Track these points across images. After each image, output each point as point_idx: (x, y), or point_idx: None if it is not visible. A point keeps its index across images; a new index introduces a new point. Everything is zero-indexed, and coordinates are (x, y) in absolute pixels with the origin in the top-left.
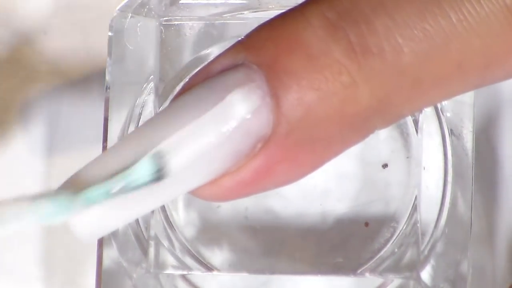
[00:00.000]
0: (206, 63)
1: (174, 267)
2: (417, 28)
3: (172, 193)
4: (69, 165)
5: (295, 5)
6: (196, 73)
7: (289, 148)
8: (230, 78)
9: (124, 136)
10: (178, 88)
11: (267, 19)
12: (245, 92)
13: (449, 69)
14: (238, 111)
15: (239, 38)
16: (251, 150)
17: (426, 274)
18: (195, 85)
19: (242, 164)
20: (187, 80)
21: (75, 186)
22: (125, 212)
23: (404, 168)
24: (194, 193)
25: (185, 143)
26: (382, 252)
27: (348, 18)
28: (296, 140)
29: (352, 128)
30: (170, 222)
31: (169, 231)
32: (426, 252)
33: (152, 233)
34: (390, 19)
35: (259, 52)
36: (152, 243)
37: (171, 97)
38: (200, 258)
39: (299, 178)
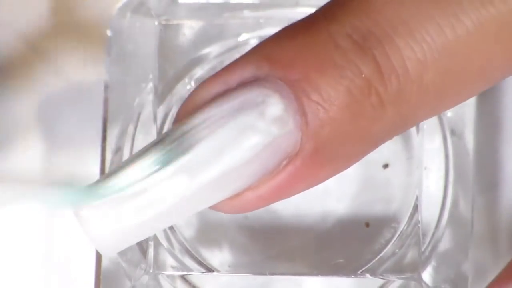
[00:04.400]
0: (217, 70)
1: (173, 267)
2: (438, 45)
3: (195, 208)
4: (68, 165)
5: (295, 4)
6: (210, 82)
7: (314, 165)
8: (259, 94)
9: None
10: (177, 87)
11: (266, 18)
12: (279, 110)
13: (472, 78)
14: (273, 130)
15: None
16: (277, 167)
17: (427, 275)
18: (211, 95)
19: (265, 179)
20: (197, 87)
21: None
22: (147, 225)
23: (405, 168)
24: (214, 206)
25: (213, 160)
26: (382, 253)
27: (373, 39)
28: (321, 158)
29: (373, 142)
30: None
31: (168, 231)
32: (427, 252)
33: None
34: (412, 38)
35: (287, 69)
36: (151, 243)
37: (169, 97)
38: (200, 259)
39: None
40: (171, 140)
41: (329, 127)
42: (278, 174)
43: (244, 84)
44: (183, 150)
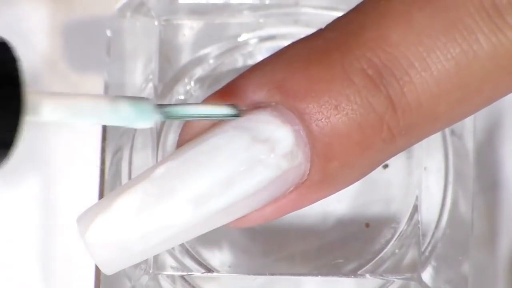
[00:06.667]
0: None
1: (173, 268)
2: (453, 78)
3: (199, 233)
4: (68, 164)
5: (295, 4)
6: (216, 101)
7: (319, 191)
8: (270, 126)
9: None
10: (177, 87)
11: (266, 18)
12: (289, 145)
13: (480, 104)
14: (282, 164)
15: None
16: (283, 194)
17: (427, 275)
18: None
19: (270, 203)
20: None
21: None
22: (151, 250)
23: (405, 169)
24: None
25: (220, 192)
26: (382, 253)
27: (388, 75)
28: (326, 186)
29: (378, 165)
30: None
31: None
32: (427, 253)
33: None
34: (428, 73)
35: (300, 102)
36: None
37: (169, 97)
38: (200, 259)
39: None
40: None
41: (338, 161)
42: (283, 198)
43: (253, 110)
44: (190, 180)
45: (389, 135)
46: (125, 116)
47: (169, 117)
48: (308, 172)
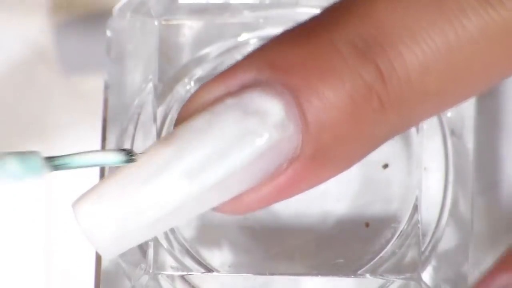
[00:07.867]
0: (218, 70)
1: (173, 268)
2: (441, 49)
3: (196, 211)
4: None
5: (295, 4)
6: (211, 84)
7: (314, 168)
8: (260, 99)
9: (151, 148)
10: (177, 87)
11: (266, 18)
12: (280, 116)
13: (472, 81)
14: (274, 135)
15: (250, 50)
16: (278, 170)
17: (427, 275)
18: (212, 97)
19: (264, 181)
20: (198, 89)
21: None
22: (148, 229)
23: (405, 168)
24: (216, 208)
25: (214, 164)
26: (382, 253)
27: (376, 46)
28: (321, 161)
29: (374, 143)
30: None
31: (168, 231)
32: (427, 252)
33: None
34: (416, 43)
35: (289, 75)
36: (151, 244)
37: (169, 97)
38: (200, 259)
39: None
40: (172, 142)
41: (329, 132)
42: (278, 176)
43: (245, 88)
44: (183, 154)
45: (379, 105)
46: (12, 172)
47: (59, 169)
48: (300, 146)
